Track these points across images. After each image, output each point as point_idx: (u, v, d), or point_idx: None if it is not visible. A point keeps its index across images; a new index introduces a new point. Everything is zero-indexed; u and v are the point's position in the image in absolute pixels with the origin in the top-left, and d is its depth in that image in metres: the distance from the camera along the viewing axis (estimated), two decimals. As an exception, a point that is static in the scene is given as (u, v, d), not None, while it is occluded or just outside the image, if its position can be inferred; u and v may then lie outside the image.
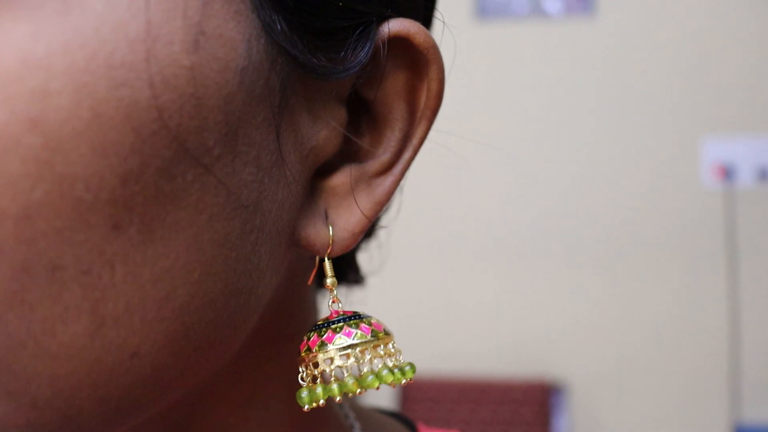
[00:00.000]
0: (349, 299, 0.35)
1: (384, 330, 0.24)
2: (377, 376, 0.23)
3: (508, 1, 1.98)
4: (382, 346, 0.23)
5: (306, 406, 0.23)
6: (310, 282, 0.28)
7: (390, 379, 0.23)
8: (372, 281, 0.36)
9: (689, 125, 1.87)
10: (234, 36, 0.20)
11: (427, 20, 0.28)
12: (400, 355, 0.24)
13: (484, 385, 1.85)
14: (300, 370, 0.24)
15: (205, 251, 0.20)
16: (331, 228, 0.24)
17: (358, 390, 0.23)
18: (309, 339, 0.24)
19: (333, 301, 0.25)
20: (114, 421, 0.21)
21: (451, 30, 0.26)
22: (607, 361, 1.91)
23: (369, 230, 0.33)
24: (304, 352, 0.24)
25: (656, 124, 1.89)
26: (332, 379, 0.23)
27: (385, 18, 0.23)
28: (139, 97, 0.18)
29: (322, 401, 0.23)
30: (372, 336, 0.23)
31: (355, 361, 0.23)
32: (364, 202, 0.24)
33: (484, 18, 1.99)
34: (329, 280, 0.25)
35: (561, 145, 1.95)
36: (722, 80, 1.85)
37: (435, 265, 1.98)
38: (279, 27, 0.20)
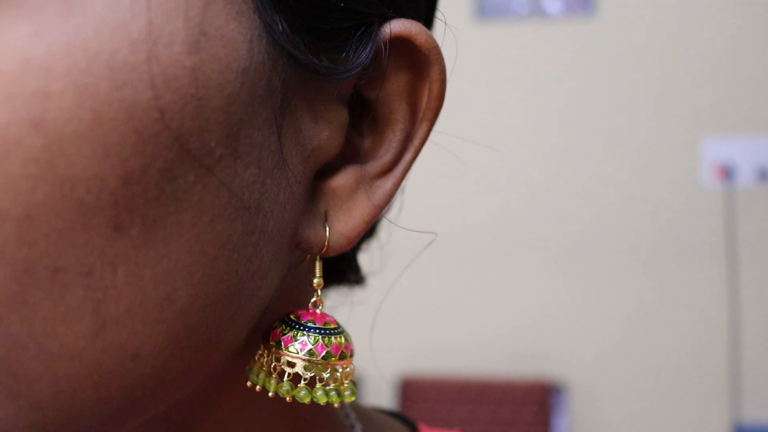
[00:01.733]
0: (350, 300, 0.35)
1: (341, 354, 0.24)
2: (309, 393, 0.23)
3: (508, 1, 1.98)
4: (329, 369, 0.24)
5: (249, 383, 0.24)
6: (298, 268, 0.28)
7: (323, 400, 0.23)
8: (372, 281, 0.36)
9: (689, 125, 1.87)
10: (235, 37, 0.20)
11: (428, 21, 0.28)
12: (349, 378, 0.24)
13: (484, 385, 1.85)
14: (263, 352, 0.24)
15: (207, 252, 0.20)
16: (328, 229, 0.24)
17: (288, 398, 0.23)
18: (284, 334, 0.24)
19: (315, 302, 0.25)
20: (115, 422, 0.21)
21: (452, 30, 0.26)
22: (607, 361, 1.91)
23: (370, 230, 0.33)
24: (274, 343, 0.24)
25: (656, 124, 1.89)
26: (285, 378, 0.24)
27: (387, 18, 0.23)
28: (140, 98, 0.18)
29: (258, 387, 0.24)
30: (323, 358, 0.23)
31: (315, 375, 0.23)
32: (365, 203, 0.24)
33: (484, 18, 1.99)
34: (315, 281, 0.25)
35: (560, 144, 1.95)
36: (722, 80, 1.85)
37: (436, 266, 1.98)
38: (281, 28, 0.20)
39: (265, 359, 0.24)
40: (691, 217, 1.87)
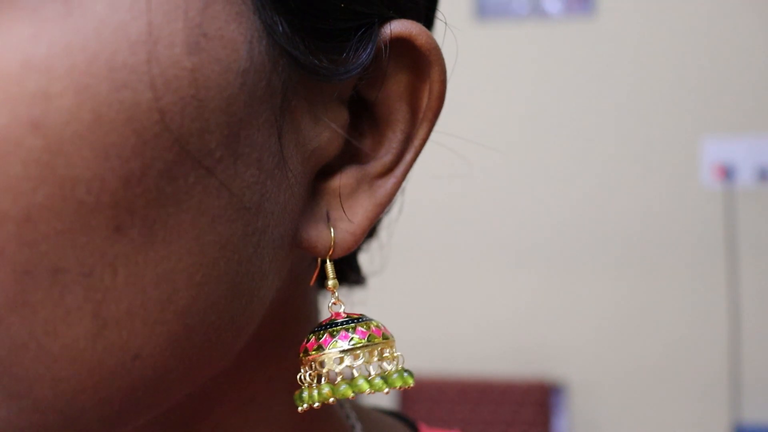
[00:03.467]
0: (350, 300, 0.35)
1: (383, 335, 0.24)
2: (351, 385, 0.23)
3: (508, 1, 1.98)
4: (377, 351, 0.23)
5: (299, 408, 0.23)
6: (312, 283, 0.28)
7: (366, 388, 0.23)
8: (373, 282, 0.36)
9: (689, 125, 1.87)
10: (235, 37, 0.20)
11: (428, 21, 0.28)
12: (399, 361, 0.24)
13: (484, 385, 1.85)
14: (301, 371, 0.24)
15: (207, 253, 0.20)
16: (332, 230, 0.24)
17: (331, 399, 0.23)
18: (308, 341, 0.24)
19: (334, 303, 0.25)
20: (116, 423, 0.21)
21: (453, 31, 0.26)
22: (606, 362, 1.91)
23: (370, 231, 0.33)
24: (303, 353, 0.24)
25: (656, 124, 1.89)
26: (323, 381, 0.23)
27: (387, 19, 0.23)
28: (140, 99, 0.18)
29: (317, 404, 0.23)
30: (368, 340, 0.23)
31: (348, 366, 0.23)
32: (366, 203, 0.24)
33: (484, 18, 1.99)
34: (330, 282, 0.25)
35: (560, 145, 1.94)
36: (722, 80, 1.85)
37: (435, 266, 1.98)
38: (281, 28, 0.20)
39: (311, 373, 0.23)
40: (691, 217, 1.87)
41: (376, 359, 0.23)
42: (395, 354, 0.24)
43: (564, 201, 1.94)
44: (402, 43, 0.23)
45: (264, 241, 0.22)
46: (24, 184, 0.17)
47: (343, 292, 0.34)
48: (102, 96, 0.17)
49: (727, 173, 1.84)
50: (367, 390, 0.23)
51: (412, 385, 0.24)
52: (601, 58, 1.93)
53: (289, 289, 0.26)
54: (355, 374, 0.23)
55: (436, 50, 0.23)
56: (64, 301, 0.18)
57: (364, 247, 0.34)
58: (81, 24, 0.18)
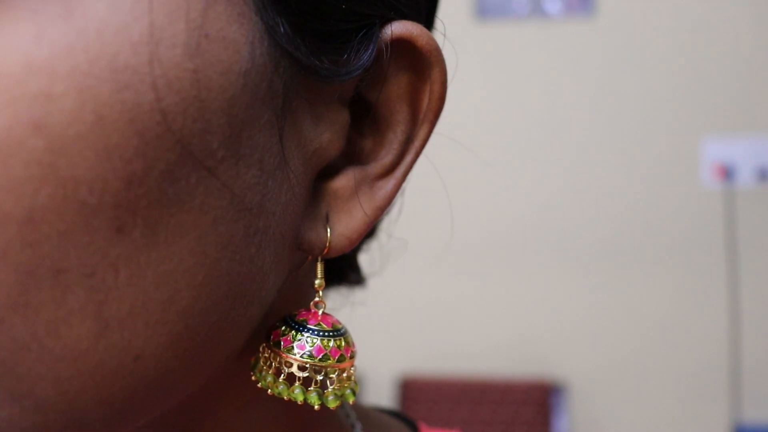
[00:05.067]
0: (350, 299, 0.35)
1: (340, 356, 0.24)
2: (288, 389, 0.23)
3: (508, 1, 1.98)
4: (323, 372, 0.24)
5: (252, 377, 0.24)
6: (299, 269, 0.28)
7: (300, 398, 0.23)
8: (372, 281, 0.36)
9: (689, 125, 1.88)
10: (237, 38, 0.20)
11: (428, 22, 0.28)
12: (346, 382, 0.24)
13: (484, 385, 1.85)
14: (263, 344, 0.24)
15: (209, 254, 0.20)
16: (330, 230, 0.24)
17: (286, 397, 0.23)
18: (275, 328, 0.24)
19: (316, 302, 0.25)
20: (118, 423, 0.21)
21: (453, 33, 0.26)
22: (607, 361, 1.91)
23: (371, 231, 0.33)
24: (267, 335, 0.24)
25: (656, 124, 1.89)
26: (271, 371, 0.24)
27: (388, 20, 0.23)
28: (142, 100, 0.18)
29: (260, 385, 0.24)
30: (320, 360, 0.23)
31: (292, 373, 0.23)
32: (366, 204, 0.24)
33: (484, 18, 1.99)
34: (317, 282, 0.25)
35: (560, 145, 1.95)
36: (722, 80, 1.85)
37: (435, 265, 1.98)
38: (282, 29, 0.20)
39: (266, 356, 0.24)
40: (691, 217, 1.87)
41: (320, 378, 0.24)
42: (344, 376, 0.24)
43: (565, 200, 1.94)
44: (403, 44, 0.23)
45: (265, 242, 0.22)
46: (26, 185, 0.17)
47: (344, 292, 0.34)
48: (104, 97, 0.18)
49: (727, 173, 1.85)
50: (300, 400, 0.23)
51: (351, 402, 0.24)
52: (601, 58, 1.93)
53: (290, 289, 0.26)
54: (312, 384, 0.24)
55: (437, 51, 0.23)
56: (66, 301, 0.18)
57: (364, 247, 0.34)
58: (83, 25, 0.18)
